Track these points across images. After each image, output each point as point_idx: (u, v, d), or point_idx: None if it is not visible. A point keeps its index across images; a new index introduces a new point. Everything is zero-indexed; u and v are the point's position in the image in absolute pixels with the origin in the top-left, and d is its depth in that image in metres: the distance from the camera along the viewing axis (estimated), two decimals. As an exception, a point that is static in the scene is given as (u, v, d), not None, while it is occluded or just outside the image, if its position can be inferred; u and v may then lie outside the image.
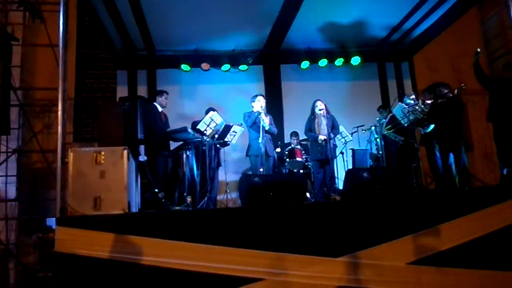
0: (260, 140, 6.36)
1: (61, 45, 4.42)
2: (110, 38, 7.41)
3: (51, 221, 5.46)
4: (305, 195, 5.63)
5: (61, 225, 3.87)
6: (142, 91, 8.02)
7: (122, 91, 7.82)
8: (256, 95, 6.81)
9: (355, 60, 8.39)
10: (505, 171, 5.54)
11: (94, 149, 4.30)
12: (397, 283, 4.02)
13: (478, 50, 5.82)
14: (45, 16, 6.33)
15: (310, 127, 6.79)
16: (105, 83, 7.74)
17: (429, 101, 6.25)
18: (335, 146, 6.77)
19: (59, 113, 4.25)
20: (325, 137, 6.53)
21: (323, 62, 8.37)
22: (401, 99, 6.89)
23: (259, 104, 6.63)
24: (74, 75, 7.10)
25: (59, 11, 4.46)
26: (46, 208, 6.04)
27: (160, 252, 3.86)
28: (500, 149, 5.80)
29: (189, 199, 5.93)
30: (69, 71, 4.78)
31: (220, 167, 6.96)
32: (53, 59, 5.94)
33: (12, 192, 6.08)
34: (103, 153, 4.19)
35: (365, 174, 4.96)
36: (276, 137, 7.21)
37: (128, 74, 8.05)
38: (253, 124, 6.58)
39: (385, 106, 7.93)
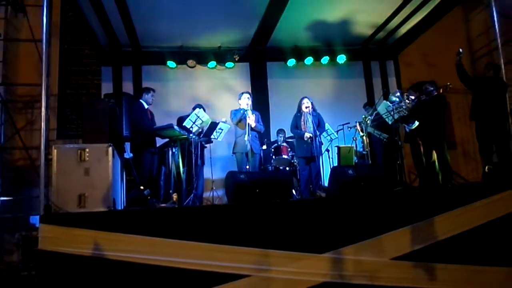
0: (246, 137, 6.36)
1: (44, 40, 4.36)
2: (95, 34, 7.32)
3: (35, 219, 5.37)
4: (291, 192, 5.66)
5: (45, 223, 3.82)
6: (127, 87, 7.93)
7: (107, 88, 7.72)
8: (243, 93, 6.81)
9: (341, 59, 8.47)
10: (486, 169, 5.65)
11: (78, 146, 4.26)
12: (381, 278, 4.07)
13: (461, 50, 5.92)
14: (27, 10, 6.21)
15: (296, 124, 6.82)
16: (89, 80, 7.63)
17: (413, 97, 6.33)
18: (320, 143, 6.81)
19: (43, 109, 4.21)
20: (311, 135, 6.57)
21: (309, 60, 8.41)
22: (386, 97, 6.95)
23: (245, 101, 6.63)
24: (57, 71, 6.97)
25: (42, 6, 4.39)
26: (29, 206, 5.94)
27: (145, 250, 3.84)
28: (482, 147, 5.91)
29: (175, 197, 5.91)
30: (52, 67, 4.74)
31: (204, 165, 6.94)
32: (36, 54, 5.84)
33: (-6, 190, 5.98)
34: (87, 150, 4.15)
35: (350, 172, 4.99)
36: (263, 134, 7.21)
37: (113, 71, 7.96)
38: (239, 121, 6.59)
39: (371, 103, 8.00)
